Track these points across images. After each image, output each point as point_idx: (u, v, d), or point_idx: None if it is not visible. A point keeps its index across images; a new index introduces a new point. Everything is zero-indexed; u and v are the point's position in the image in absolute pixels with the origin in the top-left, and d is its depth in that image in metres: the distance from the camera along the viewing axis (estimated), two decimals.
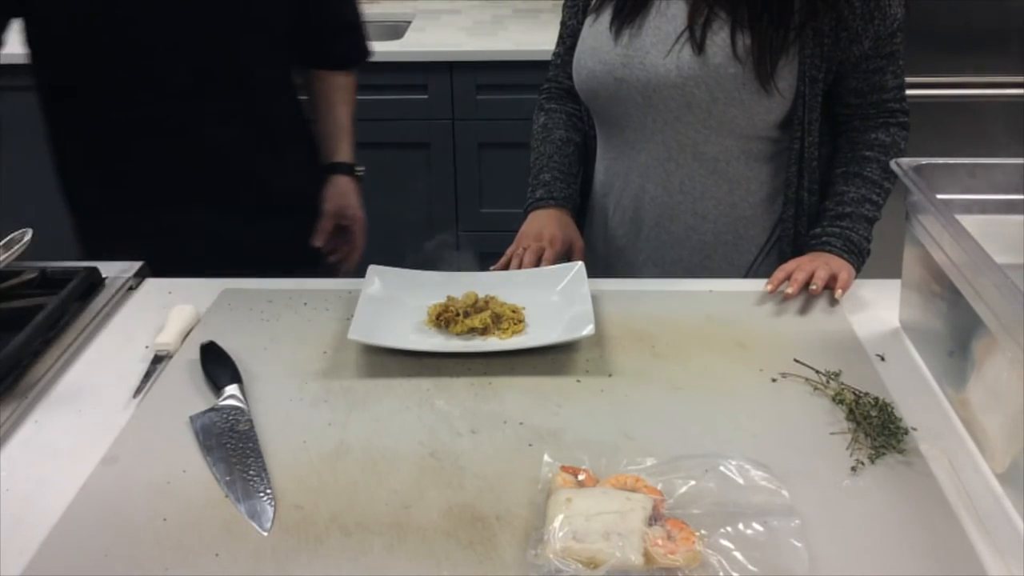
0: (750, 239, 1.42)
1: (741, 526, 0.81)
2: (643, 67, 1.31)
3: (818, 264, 1.26)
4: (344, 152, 1.65)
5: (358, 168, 1.67)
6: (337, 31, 1.63)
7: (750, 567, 0.77)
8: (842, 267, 1.26)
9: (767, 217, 1.41)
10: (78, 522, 0.85)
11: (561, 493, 0.83)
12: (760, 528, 0.81)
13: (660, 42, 1.31)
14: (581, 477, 0.87)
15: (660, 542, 0.77)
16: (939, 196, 1.02)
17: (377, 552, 0.81)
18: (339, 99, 1.64)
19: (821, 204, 1.38)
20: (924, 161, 1.10)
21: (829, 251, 1.30)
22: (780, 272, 1.26)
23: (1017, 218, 1.09)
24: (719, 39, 1.27)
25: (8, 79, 2.59)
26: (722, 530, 0.80)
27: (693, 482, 0.86)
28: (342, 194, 1.63)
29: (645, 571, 0.76)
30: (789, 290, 1.23)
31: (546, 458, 0.90)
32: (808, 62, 1.28)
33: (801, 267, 1.25)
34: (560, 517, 0.79)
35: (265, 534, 0.83)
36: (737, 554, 0.78)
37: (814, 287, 1.23)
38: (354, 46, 1.67)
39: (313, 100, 1.64)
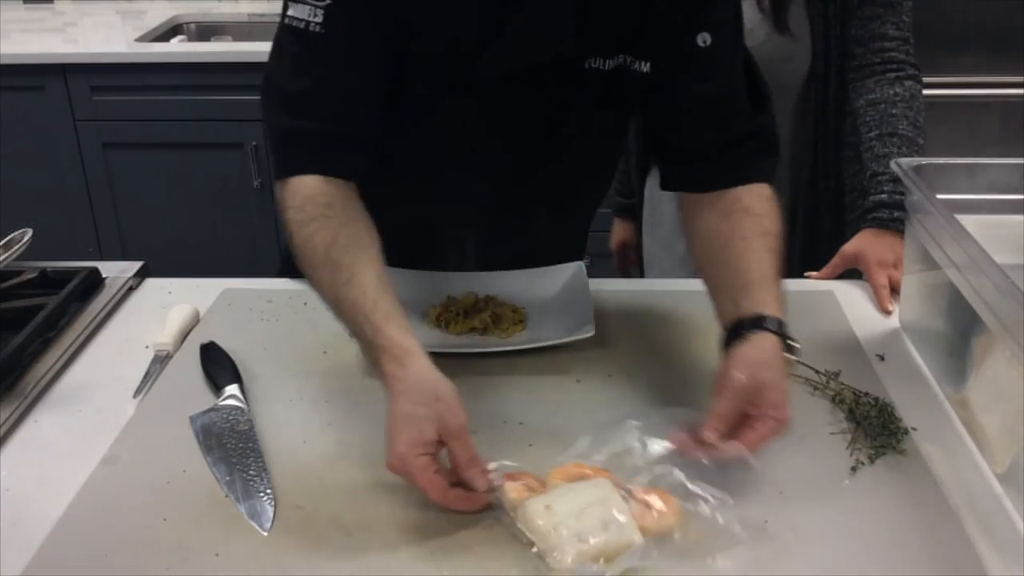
0: None
1: (701, 470, 0.84)
2: None
3: (894, 273, 1.23)
4: (770, 303, 0.95)
5: (791, 342, 0.94)
6: (726, 145, 1.07)
7: (729, 500, 0.81)
8: (900, 259, 1.23)
9: (785, 189, 1.44)
10: (78, 522, 0.85)
11: (535, 503, 0.81)
12: (710, 464, 0.84)
13: None
14: (522, 483, 0.84)
15: (647, 513, 0.79)
16: (939, 196, 1.02)
17: (377, 552, 0.81)
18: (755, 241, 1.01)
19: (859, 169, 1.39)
20: (924, 161, 1.10)
21: (897, 229, 1.26)
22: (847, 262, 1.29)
23: (1017, 218, 1.09)
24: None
25: (8, 79, 2.59)
26: (688, 480, 0.83)
27: (636, 449, 0.88)
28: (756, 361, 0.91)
29: (653, 546, 0.77)
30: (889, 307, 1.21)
31: (491, 465, 0.86)
32: (818, 19, 1.34)
33: (883, 283, 1.23)
34: (555, 525, 0.78)
35: (265, 534, 0.83)
36: (713, 493, 0.82)
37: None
38: (759, 154, 1.08)
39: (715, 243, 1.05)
